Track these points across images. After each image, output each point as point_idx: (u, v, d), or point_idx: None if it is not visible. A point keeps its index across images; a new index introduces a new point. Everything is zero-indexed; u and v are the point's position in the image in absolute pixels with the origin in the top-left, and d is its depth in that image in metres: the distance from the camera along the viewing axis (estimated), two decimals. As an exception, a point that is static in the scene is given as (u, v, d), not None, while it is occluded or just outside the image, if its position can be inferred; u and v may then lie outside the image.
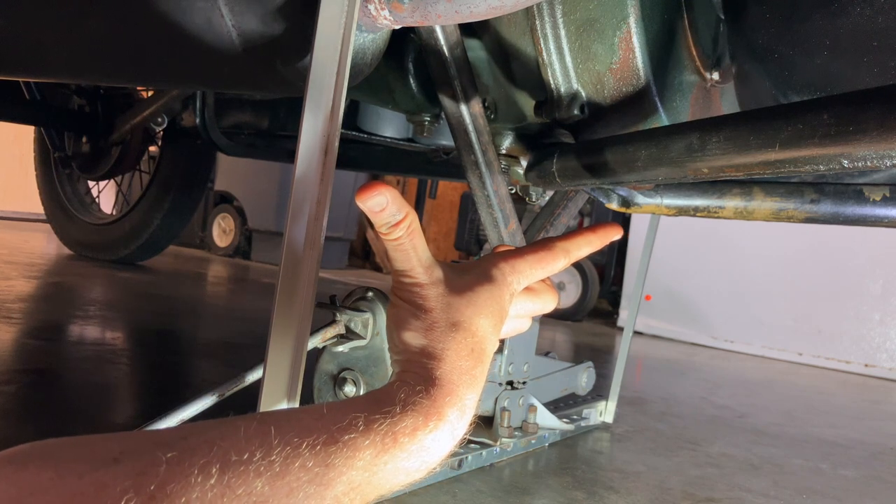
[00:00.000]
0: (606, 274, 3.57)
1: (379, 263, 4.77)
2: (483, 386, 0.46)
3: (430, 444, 0.40)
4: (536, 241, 0.56)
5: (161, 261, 3.01)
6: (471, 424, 0.45)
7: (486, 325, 0.47)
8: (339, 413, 0.38)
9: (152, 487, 0.29)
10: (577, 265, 3.26)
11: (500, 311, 0.49)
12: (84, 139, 2.48)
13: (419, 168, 2.00)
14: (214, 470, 0.31)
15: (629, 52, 0.78)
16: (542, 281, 0.56)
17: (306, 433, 0.35)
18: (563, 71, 0.82)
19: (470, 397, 0.44)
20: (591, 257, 3.50)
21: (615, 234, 0.60)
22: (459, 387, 0.43)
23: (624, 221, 3.51)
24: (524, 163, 0.95)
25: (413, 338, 0.46)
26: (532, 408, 1.04)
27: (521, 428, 1.02)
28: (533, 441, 1.07)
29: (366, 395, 0.43)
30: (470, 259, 4.08)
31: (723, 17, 0.87)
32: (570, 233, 0.58)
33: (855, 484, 1.14)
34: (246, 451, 0.33)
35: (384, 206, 0.43)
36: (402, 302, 0.47)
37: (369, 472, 0.37)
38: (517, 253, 0.53)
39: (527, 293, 0.55)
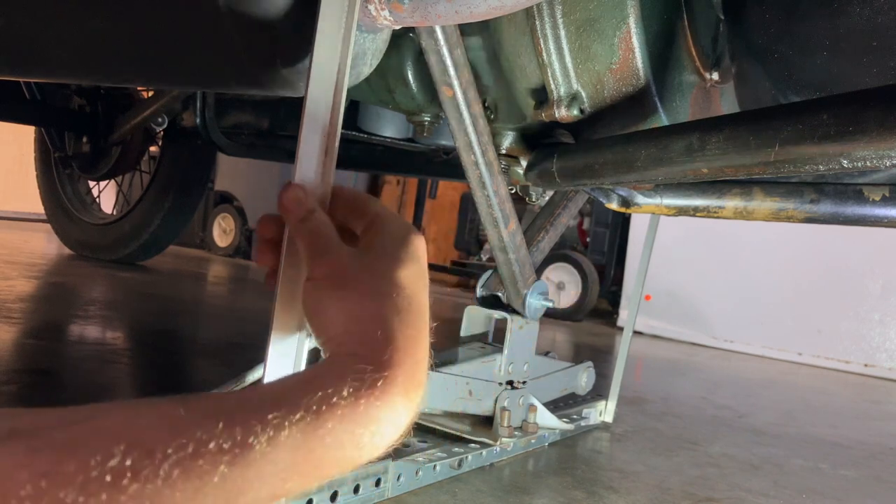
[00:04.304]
0: (606, 274, 3.57)
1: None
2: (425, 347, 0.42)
3: (377, 412, 0.36)
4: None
5: (161, 261, 3.01)
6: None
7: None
8: (261, 396, 0.35)
9: (43, 469, 0.27)
10: (577, 265, 3.26)
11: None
12: (84, 139, 2.48)
13: (419, 168, 2.00)
14: (117, 450, 0.29)
15: (629, 52, 0.78)
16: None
17: (220, 413, 0.33)
18: (563, 71, 0.82)
19: (420, 357, 0.40)
20: (591, 257, 3.50)
21: None
22: (403, 346, 0.39)
23: (624, 221, 3.51)
24: (524, 163, 0.95)
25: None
26: (532, 407, 1.04)
27: (521, 427, 1.02)
28: (533, 441, 1.07)
29: (296, 374, 0.39)
30: (470, 259, 4.02)
31: (722, 17, 0.87)
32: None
33: (855, 484, 1.14)
34: (153, 431, 0.30)
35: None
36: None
37: (305, 450, 0.34)
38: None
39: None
